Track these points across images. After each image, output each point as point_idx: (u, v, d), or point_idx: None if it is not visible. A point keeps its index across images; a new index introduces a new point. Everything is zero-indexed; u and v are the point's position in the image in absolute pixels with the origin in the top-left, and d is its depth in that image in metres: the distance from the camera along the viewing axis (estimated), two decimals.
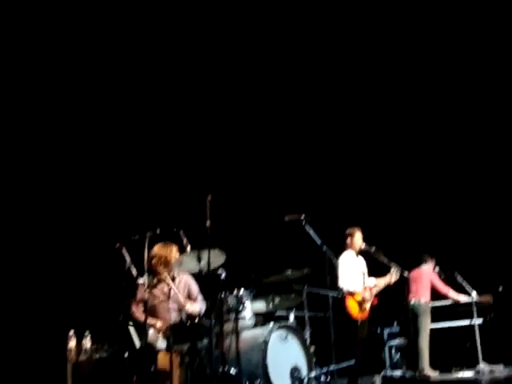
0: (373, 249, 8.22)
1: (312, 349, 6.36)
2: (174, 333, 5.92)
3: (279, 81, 10.12)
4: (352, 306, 7.89)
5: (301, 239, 6.95)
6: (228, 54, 9.89)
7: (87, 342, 6.38)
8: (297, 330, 6.35)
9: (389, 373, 8.94)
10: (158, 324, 6.24)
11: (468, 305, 9.06)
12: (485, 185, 10.21)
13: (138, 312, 6.28)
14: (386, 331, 9.63)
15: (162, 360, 5.78)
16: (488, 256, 9.80)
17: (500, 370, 8.60)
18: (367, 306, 8.03)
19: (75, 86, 9.40)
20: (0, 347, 7.94)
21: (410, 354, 8.92)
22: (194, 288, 6.64)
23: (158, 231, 6.57)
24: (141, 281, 6.41)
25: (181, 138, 9.89)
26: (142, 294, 6.34)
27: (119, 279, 6.32)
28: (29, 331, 8.17)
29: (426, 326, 8.79)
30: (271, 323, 6.28)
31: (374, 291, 8.18)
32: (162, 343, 5.99)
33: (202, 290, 6.55)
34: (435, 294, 9.02)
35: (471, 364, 8.80)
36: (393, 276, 8.35)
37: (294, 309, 6.81)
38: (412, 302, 8.89)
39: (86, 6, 9.16)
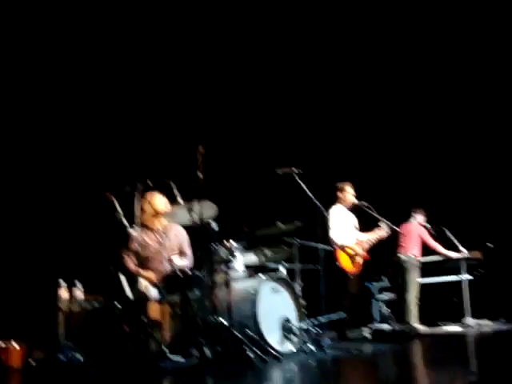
0: (363, 204, 8.24)
1: (302, 301, 6.39)
2: (166, 283, 5.95)
3: (272, 40, 10.04)
4: (344, 260, 7.94)
5: (292, 192, 6.95)
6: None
7: (79, 292, 6.41)
8: (288, 282, 6.37)
9: (378, 326, 9.03)
10: (151, 275, 6.27)
11: (457, 261, 9.14)
12: (475, 140, 10.22)
13: (131, 262, 6.29)
14: (376, 285, 9.73)
15: (154, 310, 5.80)
16: (478, 212, 9.85)
17: (487, 324, 8.73)
18: (359, 260, 8.09)
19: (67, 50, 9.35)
20: None
21: (398, 309, 9.01)
22: (185, 241, 6.66)
23: (149, 183, 6.56)
24: (132, 231, 6.41)
25: (173, 89, 9.82)
26: (134, 244, 6.36)
27: (111, 229, 6.31)
28: (19, 279, 8.19)
29: (415, 280, 8.86)
30: (262, 275, 6.31)
31: (366, 246, 8.23)
32: (153, 294, 6.02)
33: (194, 241, 6.57)
34: (425, 249, 9.08)
35: (458, 319, 8.93)
36: (382, 231, 8.39)
37: (285, 261, 6.83)
38: (401, 257, 8.95)
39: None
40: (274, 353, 5.68)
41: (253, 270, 6.57)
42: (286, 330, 6.11)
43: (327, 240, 7.70)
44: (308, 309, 6.47)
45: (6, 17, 8.76)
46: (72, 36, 9.28)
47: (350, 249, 8.03)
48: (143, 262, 6.32)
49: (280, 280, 6.34)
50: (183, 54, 9.86)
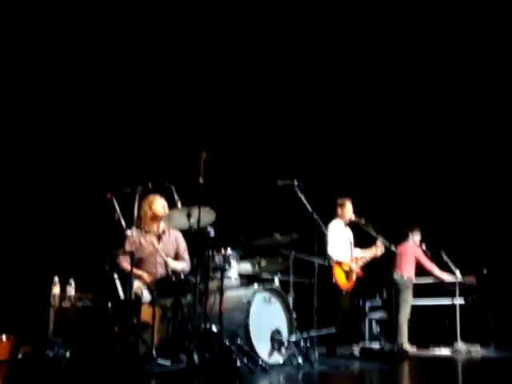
0: (362, 220, 8.26)
1: (294, 314, 6.39)
2: (159, 287, 5.95)
3: (277, 48, 10.07)
4: (339, 276, 7.96)
5: (291, 204, 6.95)
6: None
7: (71, 290, 6.41)
8: (281, 293, 6.36)
9: (367, 344, 9.03)
10: (145, 276, 6.28)
11: (451, 284, 9.14)
12: (474, 166, 10.24)
13: (125, 263, 6.29)
14: (368, 303, 9.71)
15: (145, 313, 5.81)
16: (475, 237, 9.85)
17: (476, 350, 8.73)
18: (354, 276, 8.10)
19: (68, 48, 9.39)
20: None
21: (389, 328, 9.01)
22: (182, 245, 6.67)
23: (149, 185, 6.58)
24: (129, 233, 6.41)
25: (180, 97, 9.87)
26: (129, 245, 6.36)
27: (108, 229, 6.31)
28: (14, 274, 8.20)
29: (408, 301, 8.86)
30: (256, 285, 6.30)
31: (361, 263, 8.25)
32: (146, 296, 6.02)
33: (190, 246, 6.57)
34: (420, 271, 9.08)
35: (449, 342, 8.92)
36: (378, 249, 8.40)
37: (279, 272, 6.82)
38: (395, 277, 8.95)
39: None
40: (262, 363, 5.67)
41: (247, 279, 6.57)
42: (276, 341, 6.10)
43: (323, 254, 7.70)
44: (299, 322, 6.46)
45: (6, 17, 8.80)
46: (75, 39, 9.33)
47: (346, 265, 8.05)
48: (138, 264, 6.32)
49: (273, 291, 6.33)
50: (190, 59, 9.90)
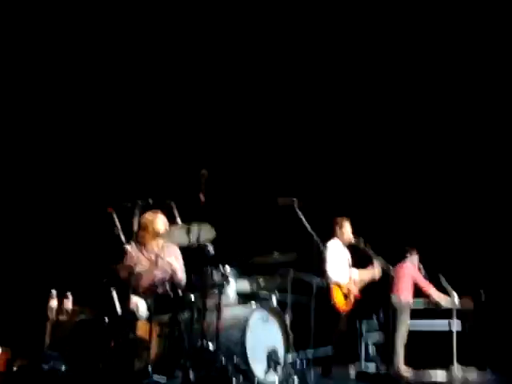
0: (361, 241, 8.26)
1: (291, 334, 6.38)
2: (157, 303, 5.94)
3: (276, 65, 10.11)
4: (338, 297, 7.95)
5: (291, 223, 6.96)
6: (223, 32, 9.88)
7: (68, 303, 6.40)
8: (278, 312, 6.36)
9: (363, 366, 8.99)
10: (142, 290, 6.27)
11: (448, 308, 9.12)
12: (473, 189, 10.25)
13: (124, 271, 6.26)
14: (365, 326, 9.67)
15: (142, 328, 5.80)
16: (472, 259, 9.84)
17: (473, 375, 8.69)
18: (352, 298, 8.09)
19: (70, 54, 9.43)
20: None
21: (385, 350, 8.98)
22: (180, 261, 6.66)
23: (150, 201, 6.59)
24: (128, 247, 6.42)
25: (183, 115, 9.91)
26: (128, 260, 6.35)
27: (107, 243, 6.32)
28: (12, 287, 8.19)
29: (404, 323, 8.83)
30: (253, 303, 6.30)
31: (359, 285, 8.24)
32: (143, 311, 6.01)
33: (189, 263, 6.57)
34: (417, 293, 9.06)
35: (445, 365, 8.89)
36: (376, 271, 8.39)
37: (277, 292, 6.82)
38: (392, 299, 8.93)
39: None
40: (258, 382, 5.66)
41: (245, 298, 6.56)
42: (272, 360, 6.09)
43: (322, 274, 7.69)
44: (296, 341, 6.44)
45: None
46: (76, 50, 9.37)
47: (345, 287, 8.04)
48: (136, 279, 6.30)
49: (271, 310, 6.33)
50: (192, 74, 9.93)
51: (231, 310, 6.19)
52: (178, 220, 6.31)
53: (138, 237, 6.54)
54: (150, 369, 5.47)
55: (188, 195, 6.02)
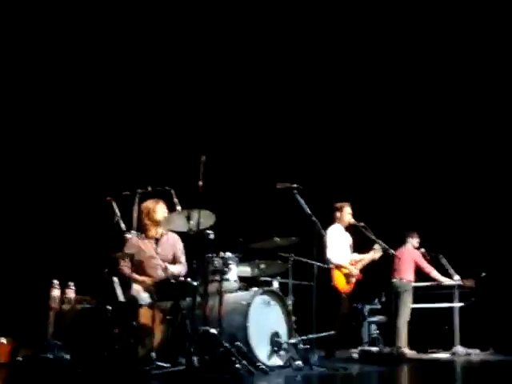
0: (361, 224, 8.27)
1: (293, 317, 6.40)
2: (159, 289, 5.95)
3: (275, 52, 10.10)
4: (339, 279, 7.98)
5: (290, 208, 6.97)
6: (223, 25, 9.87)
7: (71, 292, 6.43)
8: (280, 296, 6.38)
9: (366, 347, 9.03)
10: (145, 279, 6.28)
11: (450, 287, 9.15)
12: (473, 170, 10.26)
13: (126, 268, 6.28)
14: (367, 307, 9.71)
15: (145, 315, 5.81)
16: (474, 241, 9.87)
17: (476, 354, 8.74)
18: (353, 279, 8.12)
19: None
20: None
21: (388, 331, 9.02)
22: (180, 248, 6.67)
23: (149, 189, 6.60)
24: (129, 236, 6.43)
25: (181, 99, 9.90)
26: (129, 248, 6.36)
27: (107, 232, 6.33)
28: (14, 276, 8.21)
29: (407, 305, 8.86)
30: (255, 288, 6.32)
31: (360, 266, 8.26)
32: (145, 299, 6.03)
33: (189, 250, 6.58)
34: (419, 274, 9.09)
35: (448, 346, 8.93)
36: (376, 253, 8.42)
37: (278, 276, 6.85)
38: (394, 281, 8.95)
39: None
40: (262, 366, 5.69)
41: (246, 282, 6.59)
42: (275, 344, 6.12)
43: (322, 258, 7.71)
44: (298, 325, 6.47)
45: (6, 17, 8.82)
46: (76, 44, 9.36)
47: (346, 268, 8.07)
48: (137, 267, 6.32)
49: (272, 294, 6.36)
50: (190, 62, 9.93)
51: (233, 295, 6.22)
52: (178, 207, 6.30)
53: (138, 225, 6.54)
54: (153, 355, 5.48)
55: (187, 182, 6.02)
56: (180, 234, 6.60)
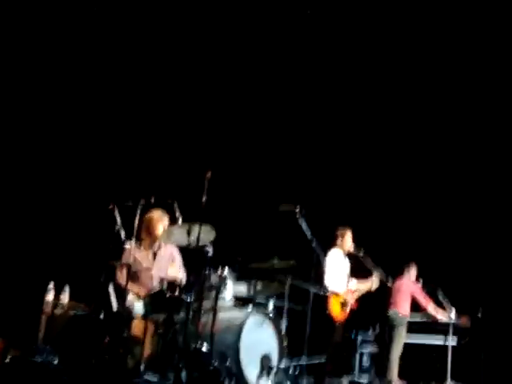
0: (361, 252, 8.24)
1: (285, 340, 6.36)
2: (153, 301, 5.93)
3: (279, 71, 10.10)
4: (334, 307, 7.93)
5: (292, 230, 6.94)
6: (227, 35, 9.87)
7: (65, 297, 6.40)
8: (274, 318, 6.34)
9: (356, 378, 8.96)
10: (140, 290, 6.26)
11: (445, 324, 9.10)
12: (474, 206, 10.23)
13: (121, 276, 6.27)
14: (360, 337, 9.65)
15: (137, 326, 5.79)
16: (472, 277, 9.82)
17: None
18: (348, 308, 8.08)
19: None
20: None
21: (380, 362, 8.95)
22: (178, 260, 6.67)
23: (152, 200, 6.59)
24: (127, 245, 6.41)
25: (188, 117, 9.91)
26: (127, 258, 6.35)
27: (107, 240, 6.32)
28: (9, 278, 8.19)
29: (401, 338, 8.79)
30: (250, 307, 6.28)
31: (355, 295, 8.22)
32: (139, 310, 6.00)
33: (187, 264, 6.55)
34: (415, 307, 9.03)
35: (440, 380, 8.86)
36: (374, 283, 8.37)
37: (274, 297, 6.80)
38: (391, 313, 8.90)
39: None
40: None
41: (241, 302, 6.55)
42: (265, 366, 6.07)
43: (320, 283, 7.68)
44: (290, 349, 6.42)
45: (6, 17, 8.85)
46: (81, 55, 9.38)
47: (341, 297, 8.03)
48: (133, 277, 6.31)
49: (267, 315, 6.31)
50: (197, 76, 9.89)
51: (227, 313, 6.18)
52: (180, 220, 6.29)
53: (138, 235, 6.53)
54: (142, 367, 5.44)
55: (190, 195, 6.01)
56: (179, 247, 6.59)
